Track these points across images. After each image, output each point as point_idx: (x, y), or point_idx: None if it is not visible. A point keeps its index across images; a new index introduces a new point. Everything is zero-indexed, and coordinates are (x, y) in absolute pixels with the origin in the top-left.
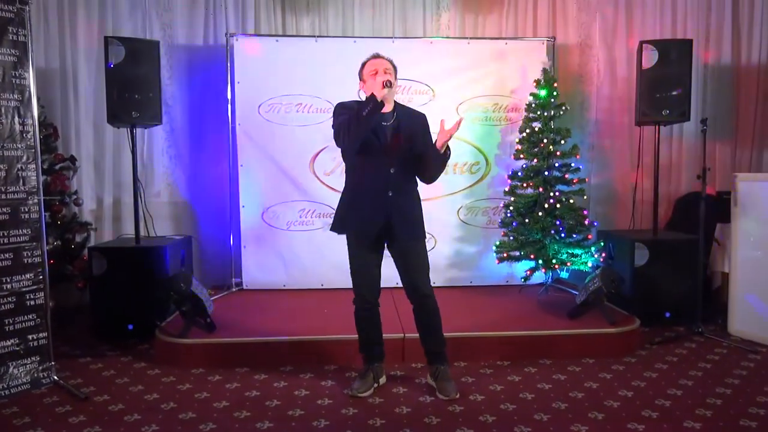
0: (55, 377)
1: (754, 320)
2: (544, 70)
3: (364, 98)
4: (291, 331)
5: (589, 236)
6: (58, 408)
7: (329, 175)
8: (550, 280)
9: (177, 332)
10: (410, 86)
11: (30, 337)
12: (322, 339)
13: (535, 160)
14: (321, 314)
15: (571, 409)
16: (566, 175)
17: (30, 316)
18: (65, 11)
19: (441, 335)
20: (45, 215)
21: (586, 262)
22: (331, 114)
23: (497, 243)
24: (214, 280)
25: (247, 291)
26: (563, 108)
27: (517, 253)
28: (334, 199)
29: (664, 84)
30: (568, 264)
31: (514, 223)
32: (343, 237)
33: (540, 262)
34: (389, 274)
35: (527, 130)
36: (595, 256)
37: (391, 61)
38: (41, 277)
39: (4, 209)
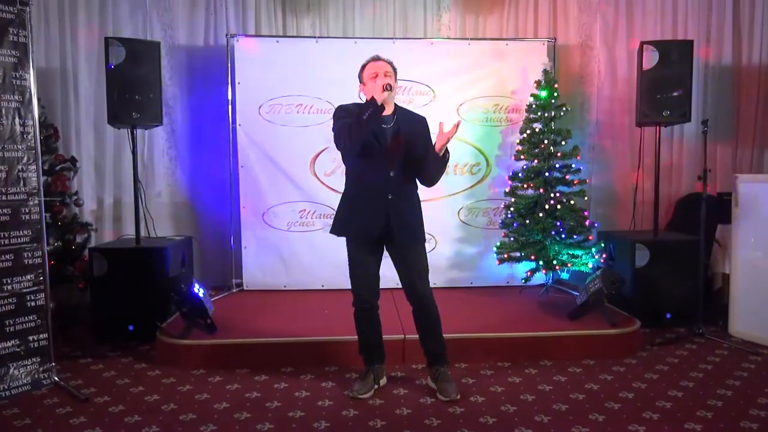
0: (56, 378)
1: (754, 321)
2: (545, 71)
3: (364, 101)
4: (291, 332)
5: (590, 237)
6: (58, 409)
7: (330, 175)
8: (550, 281)
9: (177, 333)
10: (411, 87)
11: (30, 338)
12: (323, 340)
13: (536, 161)
14: (321, 315)
15: (572, 411)
16: (567, 176)
17: (30, 317)
18: (66, 12)
19: (441, 337)
20: (45, 216)
21: (586, 263)
22: (332, 115)
23: (498, 244)
24: (214, 281)
25: (248, 292)
26: (564, 109)
27: (518, 254)
28: (335, 200)
29: (665, 85)
30: (569, 265)
31: (514, 224)
32: (343, 238)
33: (540, 263)
34: (389, 275)
35: (528, 131)
36: (596, 257)
37: (391, 64)
38: (42, 278)
39: (5, 210)
